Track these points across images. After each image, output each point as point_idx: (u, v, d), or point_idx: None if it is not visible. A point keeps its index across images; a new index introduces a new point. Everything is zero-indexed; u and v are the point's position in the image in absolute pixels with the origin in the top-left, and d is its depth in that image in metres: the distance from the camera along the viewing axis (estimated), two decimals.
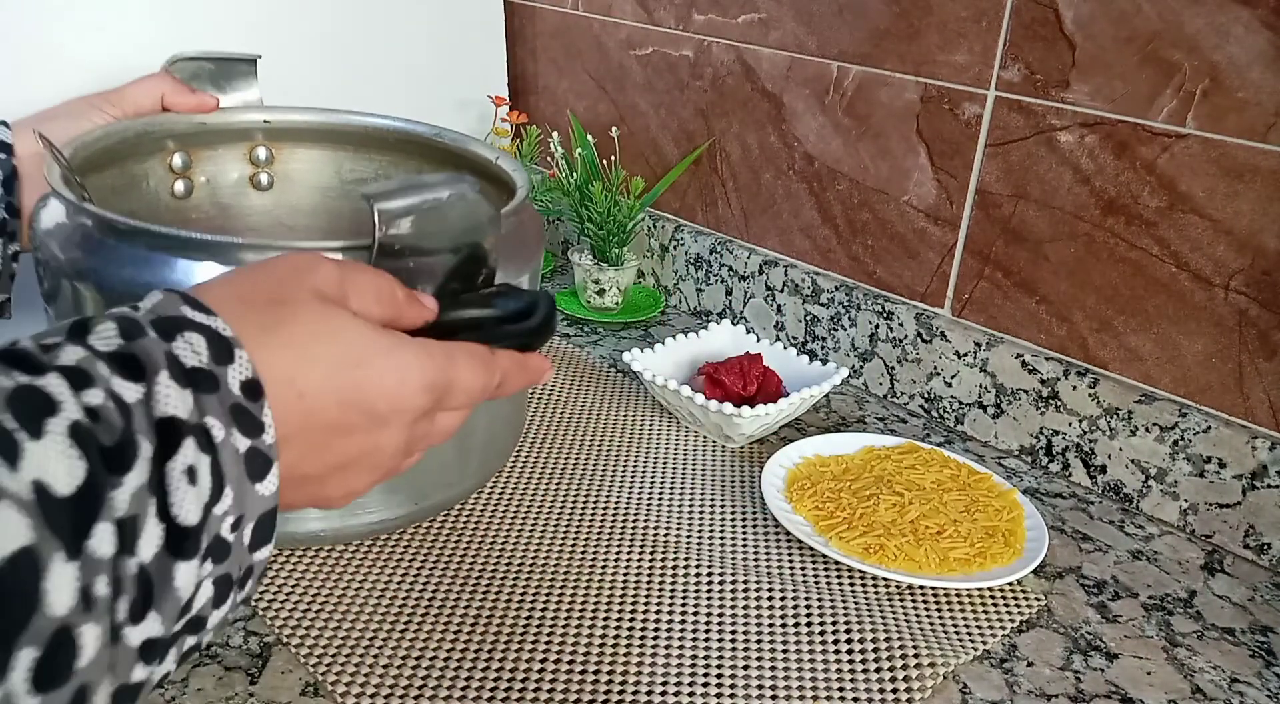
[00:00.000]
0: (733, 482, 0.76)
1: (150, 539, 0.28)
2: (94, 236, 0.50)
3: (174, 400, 0.29)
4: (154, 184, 0.67)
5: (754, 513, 0.72)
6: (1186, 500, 0.73)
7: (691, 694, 0.55)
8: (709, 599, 0.63)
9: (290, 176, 0.74)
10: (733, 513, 0.72)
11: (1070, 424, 0.79)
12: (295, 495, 0.36)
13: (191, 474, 0.29)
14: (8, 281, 0.61)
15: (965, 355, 0.84)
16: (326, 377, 0.34)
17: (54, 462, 0.25)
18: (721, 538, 0.69)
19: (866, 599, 0.63)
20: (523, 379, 0.43)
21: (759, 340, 0.89)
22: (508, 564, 0.65)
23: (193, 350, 0.31)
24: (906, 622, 0.61)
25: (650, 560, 0.66)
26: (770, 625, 0.61)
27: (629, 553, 0.67)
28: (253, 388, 0.32)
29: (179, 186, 0.68)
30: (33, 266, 0.56)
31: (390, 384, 0.36)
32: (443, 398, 0.39)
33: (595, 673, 0.56)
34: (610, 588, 0.63)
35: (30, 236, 0.54)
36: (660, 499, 0.73)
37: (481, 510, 0.70)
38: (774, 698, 0.55)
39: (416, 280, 0.42)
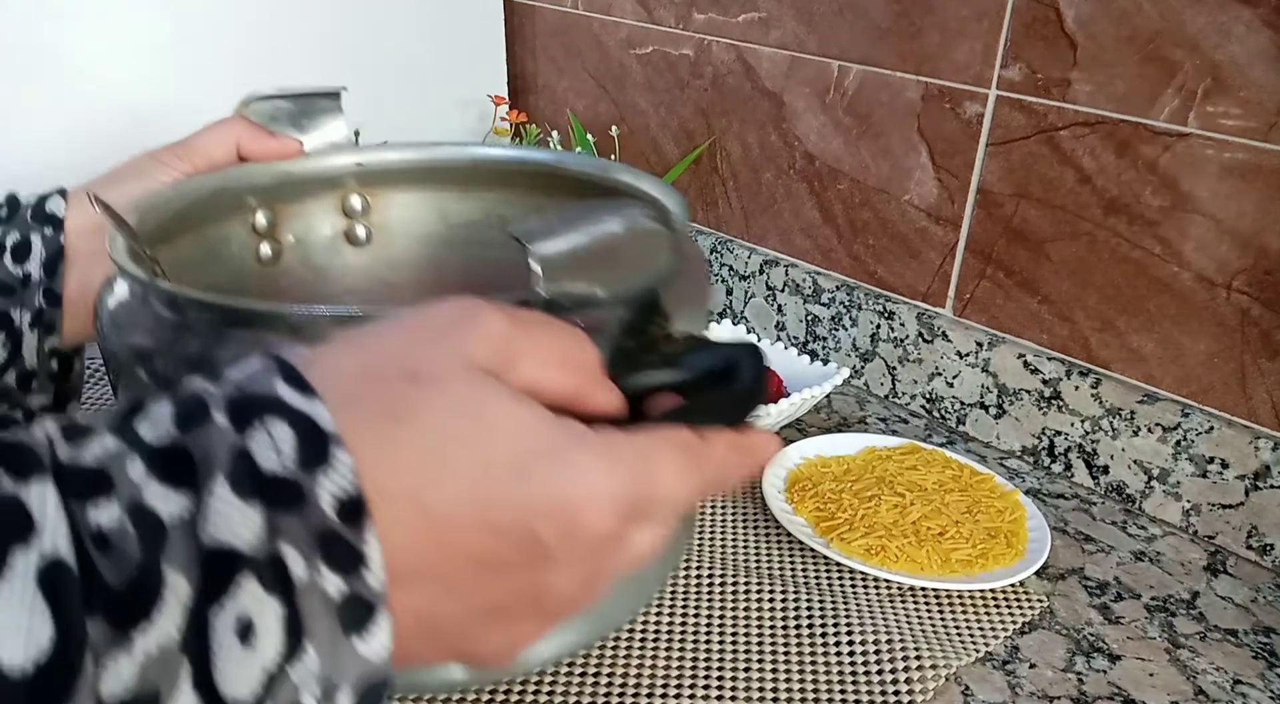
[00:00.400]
0: None
1: None
2: (167, 319, 0.41)
3: (231, 519, 0.21)
4: (236, 250, 0.58)
5: (754, 514, 0.72)
6: (1189, 501, 0.73)
7: (692, 696, 0.55)
8: (709, 600, 0.63)
9: (389, 227, 0.64)
10: (733, 513, 0.72)
11: (1072, 424, 0.79)
12: (428, 649, 0.27)
13: (247, 628, 0.21)
14: (47, 381, 0.53)
15: (967, 355, 0.84)
16: (470, 489, 0.25)
17: (3, 617, 0.19)
18: (722, 538, 0.69)
19: (868, 600, 0.63)
20: (743, 466, 0.31)
21: (759, 340, 0.88)
22: None
23: (273, 447, 0.23)
24: (908, 623, 0.61)
25: None
26: (771, 627, 0.60)
27: None
28: (353, 506, 0.23)
29: (265, 250, 0.59)
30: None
31: (562, 503, 0.26)
32: (638, 513, 0.28)
33: (595, 674, 0.56)
34: None
35: (95, 325, 0.45)
36: None
37: None
38: (774, 699, 0.55)
39: None
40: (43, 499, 0.20)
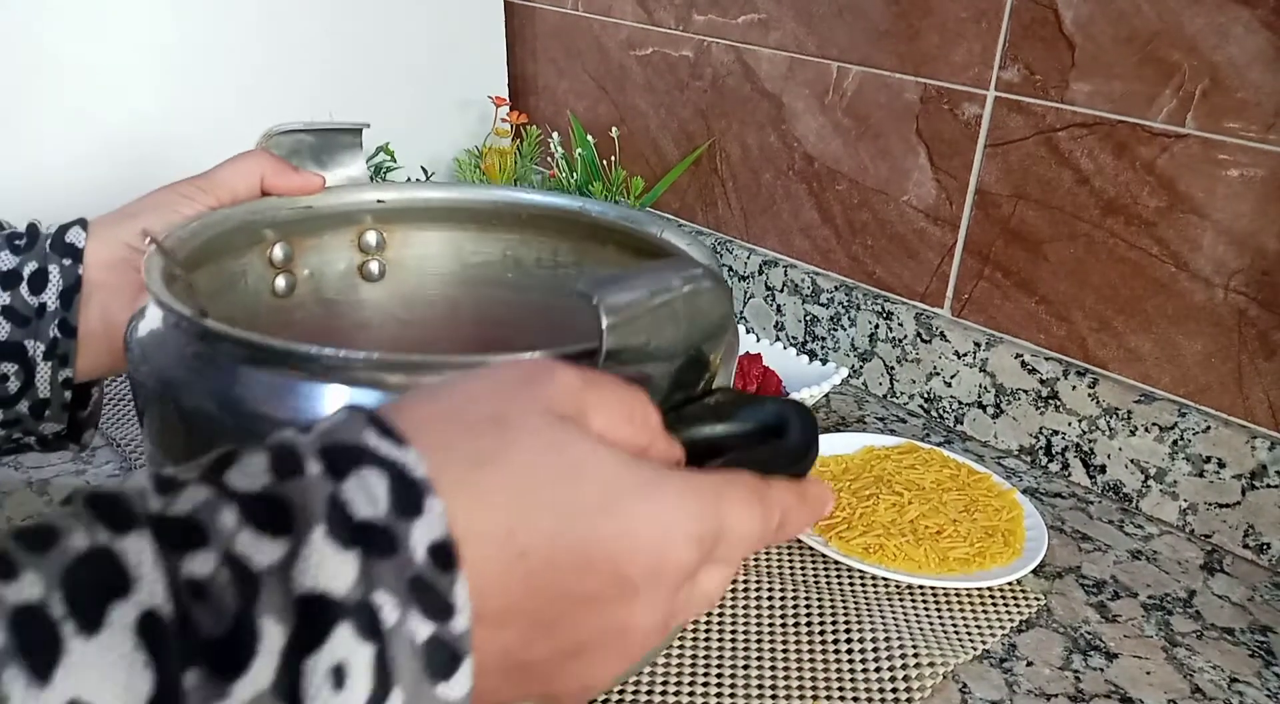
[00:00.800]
0: None
1: None
2: (197, 352, 0.41)
3: (328, 568, 0.22)
4: (252, 282, 0.58)
5: None
6: (1186, 500, 0.73)
7: (691, 694, 0.55)
8: None
9: (404, 263, 0.65)
10: None
11: (1070, 424, 0.79)
12: (510, 690, 0.27)
13: (339, 675, 0.21)
14: (60, 411, 0.53)
15: (965, 355, 0.84)
16: (560, 528, 0.25)
17: (105, 672, 0.19)
18: None
19: (866, 599, 0.63)
20: (805, 517, 0.33)
21: (759, 340, 0.89)
22: None
23: (367, 496, 0.23)
24: (906, 621, 0.61)
25: None
26: (770, 625, 0.61)
27: None
28: (443, 553, 0.23)
29: (280, 283, 0.60)
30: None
31: (648, 537, 0.27)
32: (711, 550, 0.29)
33: None
34: None
35: (126, 356, 0.45)
36: None
37: None
38: (774, 697, 0.55)
39: None
40: (144, 551, 0.21)
